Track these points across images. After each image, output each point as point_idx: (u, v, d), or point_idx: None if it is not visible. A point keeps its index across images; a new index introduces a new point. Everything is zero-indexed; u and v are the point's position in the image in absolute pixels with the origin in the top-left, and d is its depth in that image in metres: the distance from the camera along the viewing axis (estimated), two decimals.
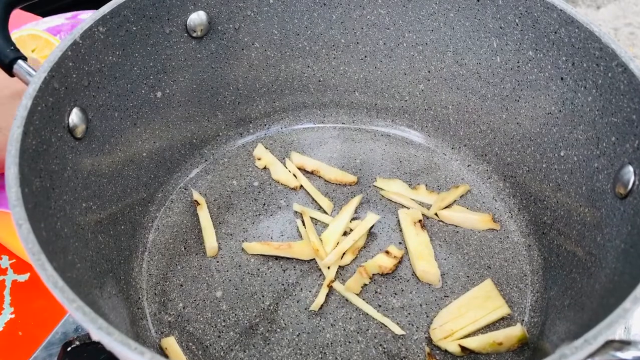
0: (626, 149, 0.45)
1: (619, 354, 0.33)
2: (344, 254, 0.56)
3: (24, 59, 0.47)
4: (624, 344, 0.33)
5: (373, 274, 0.55)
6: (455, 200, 0.60)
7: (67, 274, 0.39)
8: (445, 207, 0.59)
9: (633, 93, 0.44)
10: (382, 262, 0.55)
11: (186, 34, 0.57)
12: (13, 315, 0.56)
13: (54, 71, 0.44)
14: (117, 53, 0.51)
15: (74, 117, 0.47)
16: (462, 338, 0.50)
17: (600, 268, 0.45)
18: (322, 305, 0.53)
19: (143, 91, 0.56)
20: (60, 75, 0.45)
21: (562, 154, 0.53)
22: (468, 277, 0.55)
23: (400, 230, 0.58)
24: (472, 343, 0.50)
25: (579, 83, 0.50)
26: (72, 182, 0.47)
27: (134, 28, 0.52)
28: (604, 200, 0.47)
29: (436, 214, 0.59)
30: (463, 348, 0.50)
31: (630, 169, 0.44)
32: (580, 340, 0.31)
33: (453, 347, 0.50)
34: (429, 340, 0.51)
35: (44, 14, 0.82)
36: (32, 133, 0.41)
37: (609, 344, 0.33)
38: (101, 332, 0.31)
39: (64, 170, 0.46)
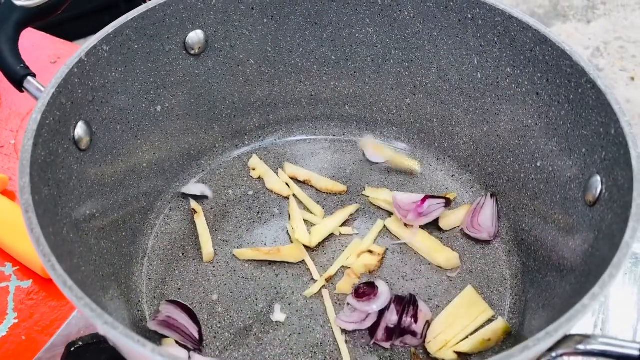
0: (595, 159, 0.48)
1: (580, 347, 0.36)
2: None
3: (33, 75, 0.51)
4: (585, 337, 0.36)
5: (361, 274, 0.58)
6: None
7: (74, 276, 0.42)
8: None
9: (600, 108, 0.48)
10: (366, 260, 0.58)
11: (185, 52, 0.60)
12: (16, 320, 0.58)
13: (61, 87, 0.48)
14: (120, 70, 0.55)
15: (79, 130, 0.50)
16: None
17: (571, 271, 0.48)
18: (312, 305, 0.56)
19: (144, 105, 0.59)
20: (67, 90, 0.48)
21: (538, 164, 0.57)
22: (451, 280, 0.58)
23: (386, 234, 0.61)
24: (465, 347, 0.53)
25: (553, 98, 0.54)
26: (77, 191, 0.50)
27: (136, 46, 0.55)
28: (576, 207, 0.50)
29: None
30: (458, 354, 0.53)
31: (598, 178, 0.48)
32: (542, 333, 0.34)
33: (450, 355, 0.53)
34: (427, 354, 0.53)
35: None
36: (41, 145, 0.44)
37: (570, 338, 0.36)
38: (107, 327, 0.34)
39: (69, 180, 0.49)
